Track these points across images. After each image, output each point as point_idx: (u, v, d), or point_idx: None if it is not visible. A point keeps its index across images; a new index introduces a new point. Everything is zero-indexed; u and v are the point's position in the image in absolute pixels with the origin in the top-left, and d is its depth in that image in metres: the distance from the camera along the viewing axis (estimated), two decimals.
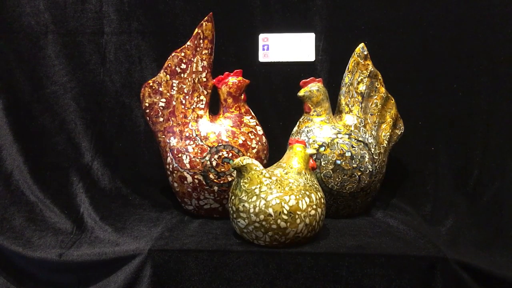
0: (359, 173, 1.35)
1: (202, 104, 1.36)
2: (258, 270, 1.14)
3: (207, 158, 1.31)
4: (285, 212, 1.12)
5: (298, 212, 1.13)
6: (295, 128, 1.41)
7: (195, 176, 1.31)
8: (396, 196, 1.53)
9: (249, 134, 1.35)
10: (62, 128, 1.58)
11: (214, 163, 1.31)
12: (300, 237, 1.15)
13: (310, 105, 1.39)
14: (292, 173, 1.19)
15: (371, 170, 1.36)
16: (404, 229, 1.29)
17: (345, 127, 1.38)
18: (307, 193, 1.16)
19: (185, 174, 1.32)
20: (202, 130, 1.33)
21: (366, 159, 1.35)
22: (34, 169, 1.51)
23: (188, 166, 1.31)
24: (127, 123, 1.60)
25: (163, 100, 1.35)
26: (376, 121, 1.41)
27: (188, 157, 1.31)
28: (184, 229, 1.29)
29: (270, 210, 1.12)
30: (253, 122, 1.37)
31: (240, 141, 1.33)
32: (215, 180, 1.31)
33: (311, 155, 1.24)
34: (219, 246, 1.17)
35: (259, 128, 1.38)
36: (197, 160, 1.31)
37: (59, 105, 1.59)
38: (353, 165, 1.34)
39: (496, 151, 1.52)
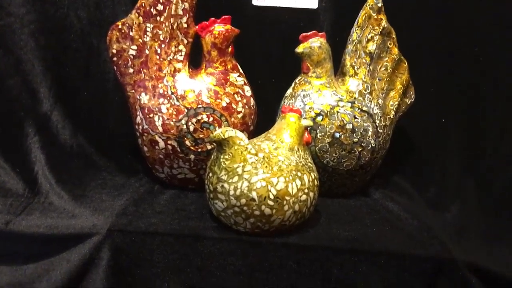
0: (359, 149, 1.16)
1: (181, 55, 1.13)
2: (235, 260, 0.97)
3: (183, 121, 1.10)
4: (272, 197, 0.94)
5: (287, 198, 0.95)
6: (289, 91, 1.20)
7: (169, 142, 1.11)
8: (397, 174, 1.35)
9: (235, 96, 1.13)
10: (17, 70, 1.34)
11: (191, 128, 1.11)
12: (286, 225, 0.98)
13: (309, 65, 1.17)
14: (282, 148, 1.00)
15: (373, 145, 1.17)
16: (406, 218, 1.12)
17: (348, 93, 1.17)
18: (299, 174, 0.97)
19: (157, 138, 1.12)
20: (179, 87, 1.12)
21: (369, 133, 1.16)
22: None
23: (160, 129, 1.11)
24: (94, 68, 1.36)
25: (134, 47, 1.12)
26: (384, 88, 1.20)
27: (161, 118, 1.11)
28: (153, 202, 1.11)
29: (254, 194, 0.93)
30: (240, 80, 1.15)
31: (224, 104, 1.12)
32: (191, 148, 1.12)
33: (306, 128, 1.05)
34: (190, 230, 0.99)
35: (247, 88, 1.16)
36: (172, 123, 1.10)
37: (14, 41, 1.33)
38: (354, 140, 1.15)
39: None
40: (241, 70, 1.17)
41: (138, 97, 1.13)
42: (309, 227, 1.03)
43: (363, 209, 1.16)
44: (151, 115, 1.11)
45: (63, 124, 1.33)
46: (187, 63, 1.14)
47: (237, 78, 1.15)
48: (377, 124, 1.17)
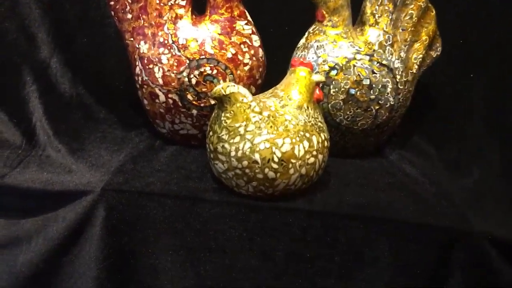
0: (377, 107, 1.06)
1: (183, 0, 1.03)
2: (235, 224, 0.91)
3: (184, 73, 1.02)
4: (276, 159, 0.86)
5: (293, 160, 0.87)
6: (302, 41, 1.10)
7: (169, 95, 1.04)
8: (417, 133, 1.25)
9: (242, 46, 1.04)
10: (14, 12, 1.25)
11: (193, 81, 1.02)
12: (292, 189, 0.91)
13: (324, 12, 1.06)
14: (290, 106, 0.91)
15: (392, 103, 1.07)
16: (423, 182, 1.04)
17: (367, 45, 1.06)
18: (307, 135, 0.89)
19: (157, 91, 1.04)
20: (181, 35, 1.02)
21: (388, 90, 1.06)
22: None
23: (160, 81, 1.03)
24: (94, 11, 1.27)
25: None
26: (408, 39, 1.09)
27: (161, 70, 1.02)
28: (152, 159, 1.05)
29: (257, 156, 0.86)
30: (248, 29, 1.05)
31: (229, 55, 1.02)
32: (194, 102, 1.04)
33: (317, 84, 0.95)
34: (189, 191, 0.93)
35: (255, 38, 1.06)
36: (172, 75, 1.02)
37: None
38: (371, 97, 1.05)
39: None
40: (249, 18, 1.06)
41: (137, 46, 1.05)
42: (316, 191, 0.96)
43: (377, 172, 1.08)
44: (151, 66, 1.03)
45: (62, 72, 1.25)
46: (190, 8, 1.04)
47: (244, 26, 1.04)
48: (397, 80, 1.07)
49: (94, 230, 0.94)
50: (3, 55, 1.24)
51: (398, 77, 1.07)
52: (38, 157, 1.09)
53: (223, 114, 0.87)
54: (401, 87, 1.08)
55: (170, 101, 1.04)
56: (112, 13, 1.05)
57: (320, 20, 1.07)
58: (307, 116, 0.92)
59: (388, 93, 1.06)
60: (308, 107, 0.93)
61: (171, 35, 1.02)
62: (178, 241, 0.92)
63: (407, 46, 1.09)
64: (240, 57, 1.03)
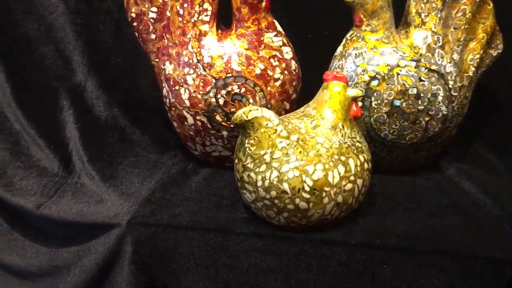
0: (427, 118, 0.94)
1: (207, 15, 0.96)
2: (267, 258, 0.84)
3: (211, 93, 0.95)
4: (307, 189, 0.78)
5: (326, 188, 0.78)
6: (339, 49, 1.00)
7: (197, 117, 0.98)
8: (477, 142, 1.11)
9: (271, 60, 0.96)
10: (49, 37, 1.25)
11: (221, 101, 0.95)
12: (328, 219, 0.82)
13: (362, 16, 0.95)
14: (323, 127, 0.82)
15: (445, 113, 0.95)
16: (485, 203, 0.91)
17: (412, 49, 0.94)
18: (342, 158, 0.80)
19: (184, 113, 0.98)
20: (206, 53, 0.96)
21: (440, 98, 0.94)
22: (18, 89, 1.23)
23: (187, 103, 0.97)
24: (127, 30, 1.24)
25: (154, 9, 0.97)
26: (462, 38, 0.96)
27: (187, 91, 0.96)
28: (183, 185, 0.99)
29: (285, 186, 0.78)
30: (278, 41, 0.97)
31: (258, 71, 0.95)
32: (223, 123, 0.97)
33: (354, 99, 0.85)
34: (218, 223, 0.87)
35: (286, 49, 0.98)
36: (199, 96, 0.96)
37: (44, 5, 1.24)
38: (419, 107, 0.93)
39: None
40: (279, 28, 0.98)
41: (163, 67, 1.00)
42: (358, 219, 0.86)
43: (431, 191, 0.96)
44: (177, 88, 0.97)
45: (97, 94, 1.24)
46: (215, 23, 0.97)
47: (273, 39, 0.96)
48: (450, 86, 0.94)
49: (123, 263, 0.90)
50: (42, 80, 1.25)
51: (451, 83, 0.94)
52: (74, 184, 1.07)
53: (246, 141, 0.80)
54: (455, 93, 0.95)
55: (199, 123, 0.98)
56: (136, 34, 1.01)
57: (358, 25, 0.96)
58: (342, 136, 0.82)
59: (439, 102, 0.94)
60: (343, 126, 0.83)
61: (195, 53, 0.96)
62: (208, 276, 0.86)
63: (460, 47, 0.96)
64: (270, 72, 0.95)
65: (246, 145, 0.80)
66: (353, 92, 0.85)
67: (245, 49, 0.95)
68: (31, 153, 1.17)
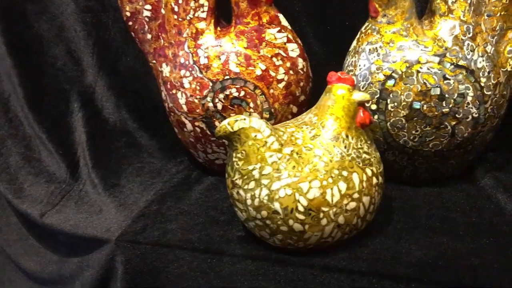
0: (453, 122, 0.81)
1: (203, 11, 0.88)
2: (262, 283, 0.75)
3: (208, 98, 0.87)
4: (301, 209, 0.68)
5: (324, 208, 0.68)
6: (354, 44, 0.88)
7: (196, 123, 0.90)
8: None
9: (274, 59, 0.86)
10: (60, 38, 1.22)
11: (219, 106, 0.87)
12: (329, 242, 0.72)
13: (377, 5, 0.83)
14: (323, 137, 0.72)
15: (476, 115, 0.81)
16: None
17: (436, 42, 0.81)
18: (344, 173, 0.69)
19: (183, 118, 0.91)
20: (202, 54, 0.87)
21: (469, 99, 0.80)
22: (31, 93, 1.20)
23: (185, 108, 0.89)
24: None
25: (148, 7, 0.90)
26: (497, 27, 0.82)
27: (184, 95, 0.89)
28: (182, 197, 0.93)
29: (277, 206, 0.69)
30: (281, 37, 0.87)
31: (258, 71, 0.85)
32: None
33: (361, 104, 0.74)
34: (210, 242, 0.79)
35: (292, 46, 0.87)
36: (196, 100, 0.88)
37: (55, 4, 1.21)
38: (443, 110, 0.81)
39: None
40: (284, 22, 0.88)
41: (160, 69, 0.93)
42: (367, 241, 0.75)
43: (459, 206, 0.83)
44: (174, 91, 0.90)
45: (107, 96, 1.18)
46: (213, 20, 0.88)
47: (276, 35, 0.86)
48: (482, 84, 0.80)
49: (116, 281, 0.85)
50: (54, 83, 1.22)
51: (484, 80, 0.80)
52: (78, 192, 1.04)
53: (234, 155, 0.71)
54: (489, 92, 0.81)
55: (198, 129, 0.90)
56: (133, 34, 0.94)
57: (373, 16, 0.84)
58: (345, 148, 0.71)
59: (468, 103, 0.80)
60: (348, 136, 0.72)
61: (191, 54, 0.88)
62: None
63: (496, 37, 0.82)
64: (272, 73, 0.86)
65: (233, 159, 0.71)
66: (359, 96, 0.74)
67: (244, 48, 0.86)
68: (42, 158, 1.15)
